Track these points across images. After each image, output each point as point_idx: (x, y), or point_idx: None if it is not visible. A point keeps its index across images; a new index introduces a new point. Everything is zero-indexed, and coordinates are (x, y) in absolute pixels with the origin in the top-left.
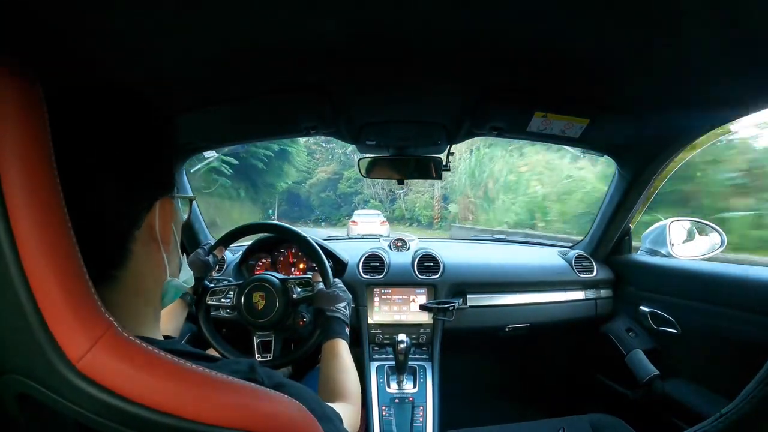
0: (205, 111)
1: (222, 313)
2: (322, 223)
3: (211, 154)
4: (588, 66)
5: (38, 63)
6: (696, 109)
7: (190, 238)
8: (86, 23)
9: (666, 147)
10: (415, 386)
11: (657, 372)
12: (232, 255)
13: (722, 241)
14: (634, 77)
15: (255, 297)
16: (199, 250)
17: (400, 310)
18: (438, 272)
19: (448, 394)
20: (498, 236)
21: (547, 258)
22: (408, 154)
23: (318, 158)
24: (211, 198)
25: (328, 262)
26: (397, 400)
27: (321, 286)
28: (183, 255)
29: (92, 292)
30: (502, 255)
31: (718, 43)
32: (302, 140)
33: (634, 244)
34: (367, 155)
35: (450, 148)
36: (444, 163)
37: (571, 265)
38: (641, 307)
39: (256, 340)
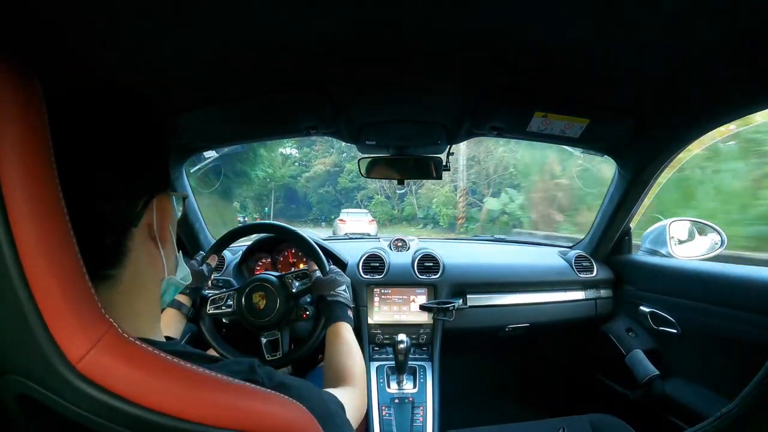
0: (205, 111)
1: (225, 320)
2: (322, 223)
3: (211, 154)
4: (588, 66)
5: (38, 63)
6: (696, 109)
7: (190, 238)
8: (86, 23)
9: (666, 147)
10: (415, 386)
11: (657, 372)
12: (232, 255)
13: (722, 241)
14: (634, 77)
15: (255, 298)
16: (192, 261)
17: (400, 310)
18: (438, 272)
19: (448, 394)
20: (498, 236)
21: (547, 258)
22: (408, 154)
23: (318, 150)
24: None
25: (328, 262)
26: (397, 400)
27: (318, 274)
28: (179, 252)
29: (92, 292)
30: (502, 255)
31: (718, 43)
32: None
33: (636, 242)
34: (367, 155)
35: (450, 148)
36: (444, 163)
37: (571, 265)
38: (641, 307)
39: (263, 341)
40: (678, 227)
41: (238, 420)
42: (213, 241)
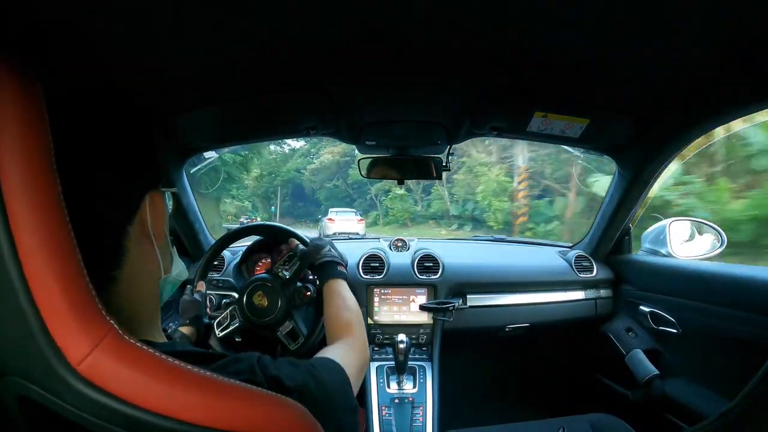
0: (205, 111)
1: (238, 338)
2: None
3: (211, 155)
4: (588, 66)
5: (38, 63)
6: (696, 109)
7: (190, 238)
8: (86, 23)
9: (666, 147)
10: (414, 386)
11: (657, 372)
12: (232, 255)
13: (722, 241)
14: (634, 77)
15: (256, 299)
16: (184, 296)
17: (400, 310)
18: (438, 272)
19: (448, 394)
20: (498, 236)
21: (547, 258)
22: (408, 154)
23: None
24: None
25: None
26: (396, 401)
27: (301, 248)
28: (173, 248)
29: (93, 293)
30: (502, 255)
31: (718, 43)
32: None
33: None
34: (367, 155)
35: (450, 148)
36: (444, 163)
37: (570, 265)
38: (641, 307)
39: (281, 335)
40: (678, 227)
41: (236, 422)
42: (213, 241)
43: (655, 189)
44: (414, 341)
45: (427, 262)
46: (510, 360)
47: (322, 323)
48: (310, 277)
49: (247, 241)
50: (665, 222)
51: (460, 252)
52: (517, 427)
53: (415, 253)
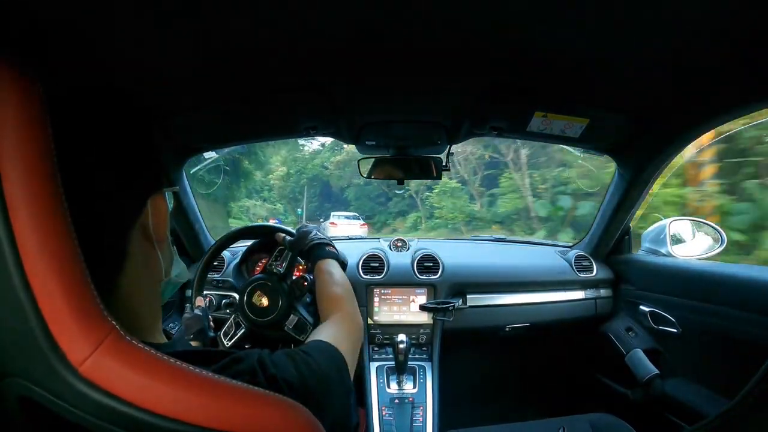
0: (205, 111)
1: (247, 345)
2: None
3: (211, 155)
4: (588, 66)
5: (38, 63)
6: (696, 109)
7: (190, 239)
8: (86, 24)
9: (666, 147)
10: (415, 386)
11: (657, 371)
12: (232, 256)
13: (722, 241)
14: (634, 77)
15: (256, 300)
16: (185, 314)
17: (400, 310)
18: (438, 272)
19: (448, 394)
20: (498, 236)
21: (547, 258)
22: (408, 154)
23: None
24: None
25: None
26: (397, 401)
27: (289, 239)
28: (173, 248)
29: (94, 294)
30: (501, 255)
31: (717, 43)
32: None
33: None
34: (367, 155)
35: (450, 148)
36: (444, 163)
37: (570, 264)
38: (641, 307)
39: (289, 330)
40: (678, 227)
41: (236, 423)
42: (213, 242)
43: (655, 189)
44: (414, 341)
45: (427, 262)
46: (510, 360)
47: None
48: (307, 265)
49: (247, 242)
50: (665, 221)
51: (460, 252)
52: (517, 427)
53: (415, 253)
